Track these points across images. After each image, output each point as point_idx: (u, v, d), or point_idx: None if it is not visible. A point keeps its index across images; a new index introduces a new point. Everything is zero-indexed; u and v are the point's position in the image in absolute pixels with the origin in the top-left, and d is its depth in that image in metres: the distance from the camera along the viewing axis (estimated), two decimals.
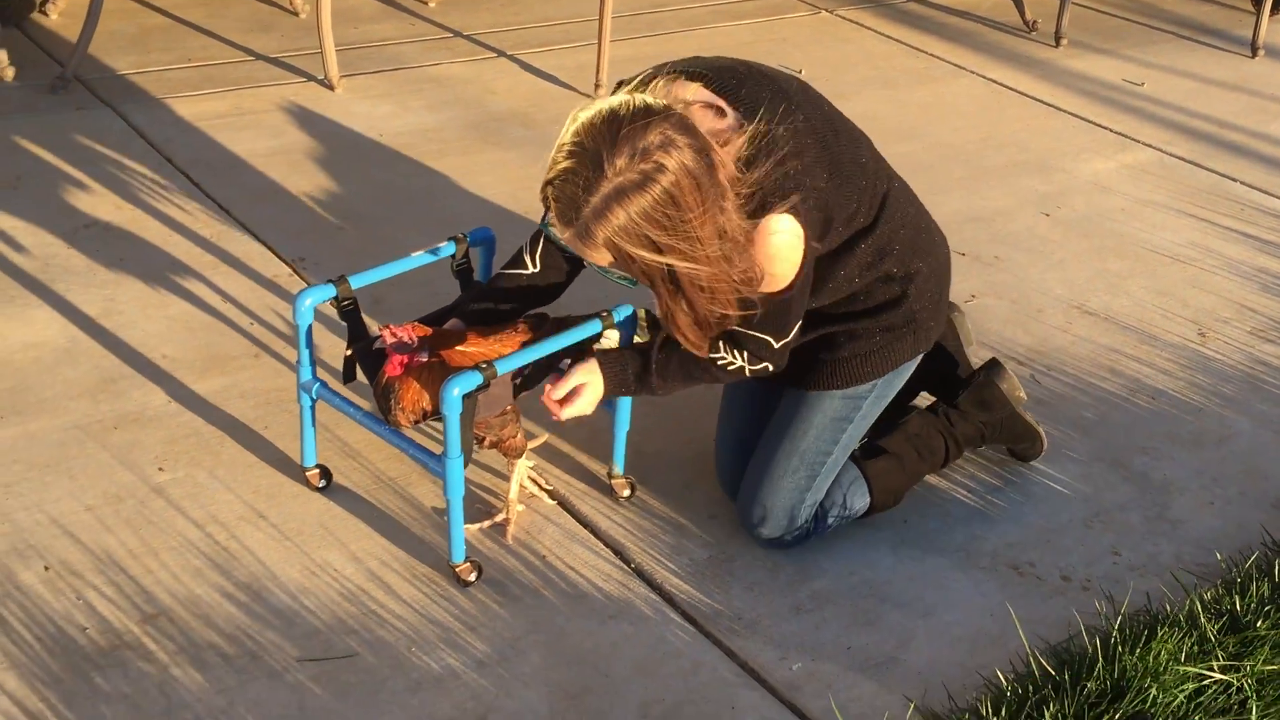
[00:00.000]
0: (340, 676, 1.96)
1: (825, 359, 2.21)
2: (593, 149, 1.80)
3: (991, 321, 3.03)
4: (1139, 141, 4.07)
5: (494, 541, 2.24)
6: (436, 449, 2.21)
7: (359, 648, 2.01)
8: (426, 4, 4.58)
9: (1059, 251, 3.37)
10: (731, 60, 2.03)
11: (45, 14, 4.10)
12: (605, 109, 1.82)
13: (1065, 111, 4.26)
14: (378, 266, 2.22)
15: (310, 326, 2.16)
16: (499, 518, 2.27)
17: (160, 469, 2.32)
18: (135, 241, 3.00)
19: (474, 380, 1.98)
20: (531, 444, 2.36)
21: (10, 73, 3.67)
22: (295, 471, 2.34)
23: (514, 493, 2.27)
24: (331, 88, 3.84)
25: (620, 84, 1.98)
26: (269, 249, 3.02)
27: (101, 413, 2.44)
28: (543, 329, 2.18)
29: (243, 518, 2.23)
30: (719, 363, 2.10)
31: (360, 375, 2.20)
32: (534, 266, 2.21)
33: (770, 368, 2.12)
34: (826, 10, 4.96)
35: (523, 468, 2.28)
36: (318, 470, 2.29)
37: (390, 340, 2.04)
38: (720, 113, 1.93)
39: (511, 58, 4.23)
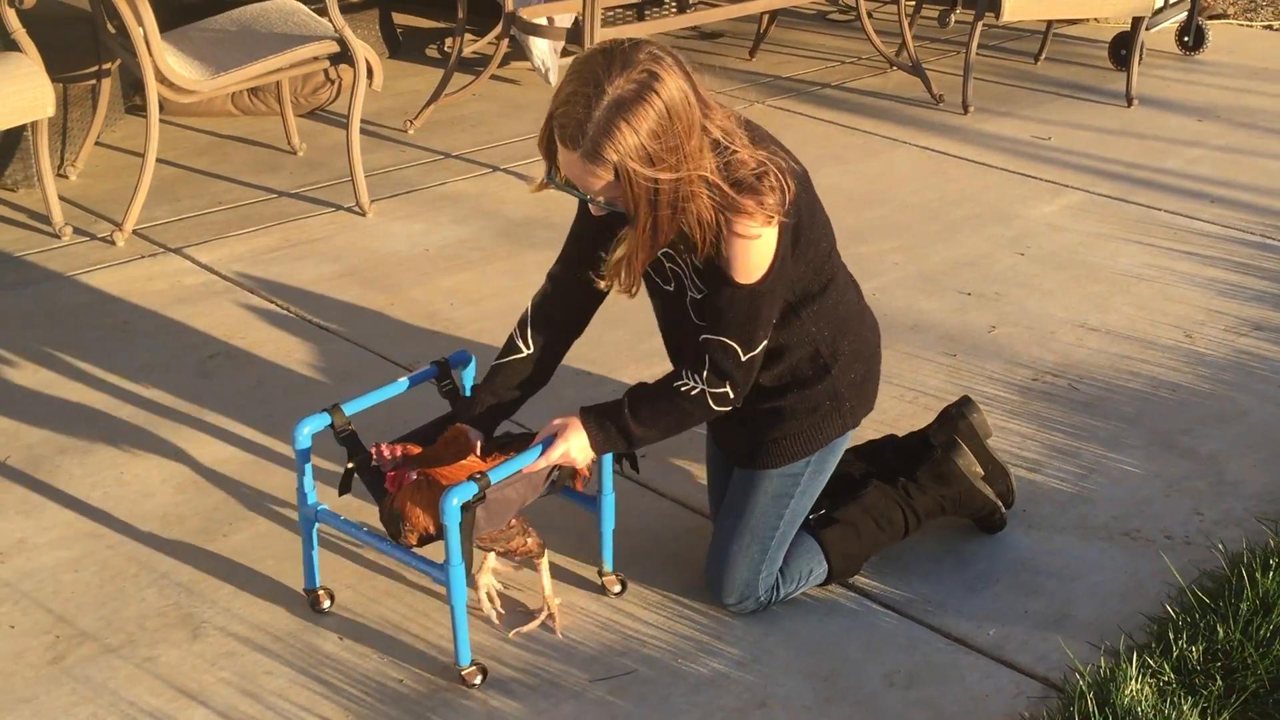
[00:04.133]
0: (631, 689, 2.27)
1: (759, 440, 2.38)
2: (590, 73, 1.97)
3: (1018, 345, 3.49)
4: (1067, 186, 4.64)
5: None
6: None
7: (634, 665, 2.33)
8: (406, 131, 4.92)
9: (1045, 283, 3.87)
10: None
11: (65, 176, 4.32)
12: (596, 46, 2.02)
13: (996, 168, 4.81)
14: (368, 393, 2.37)
15: (309, 453, 2.28)
16: (543, 616, 2.41)
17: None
18: (263, 365, 3.27)
19: (470, 490, 2.11)
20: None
21: (68, 231, 3.89)
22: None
23: (548, 589, 2.41)
24: (363, 214, 4.15)
25: None
26: (383, 359, 3.32)
27: None
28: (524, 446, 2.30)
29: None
30: (681, 389, 2.22)
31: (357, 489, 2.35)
32: (529, 348, 2.34)
33: (731, 394, 2.22)
34: (757, 103, 5.46)
35: (547, 564, 2.40)
36: (322, 591, 2.42)
37: (376, 459, 2.21)
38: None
39: (506, 171, 4.60)
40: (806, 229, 2.23)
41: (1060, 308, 3.72)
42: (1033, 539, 2.71)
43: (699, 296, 2.22)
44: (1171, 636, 2.32)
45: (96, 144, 4.47)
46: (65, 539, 2.61)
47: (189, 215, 4.12)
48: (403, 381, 2.40)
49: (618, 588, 2.50)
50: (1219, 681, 2.22)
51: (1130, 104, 5.57)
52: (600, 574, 2.51)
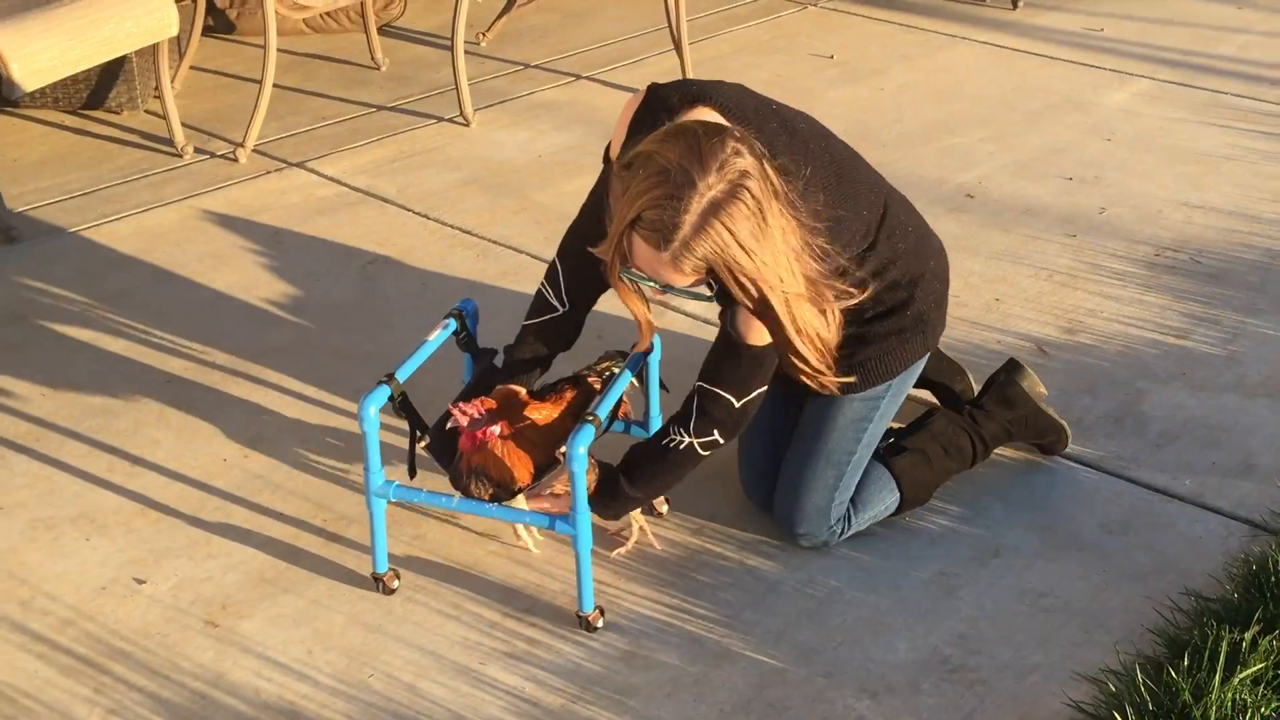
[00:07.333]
0: (872, 545, 2.44)
1: (841, 366, 2.27)
2: (679, 169, 1.89)
3: (1131, 225, 3.65)
4: (1132, 74, 4.77)
5: None
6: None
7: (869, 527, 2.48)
8: (479, 44, 4.98)
9: (1139, 166, 4.02)
10: (743, 92, 2.19)
11: (159, 97, 4.35)
12: (673, 133, 1.94)
13: (1060, 59, 4.93)
14: (409, 357, 2.31)
15: (377, 430, 2.19)
16: (635, 535, 2.41)
17: None
18: (421, 270, 3.37)
19: (590, 434, 2.10)
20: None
21: (189, 150, 3.95)
22: None
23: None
24: (467, 124, 4.23)
25: (644, 109, 2.15)
26: (536, 259, 3.43)
27: None
28: (571, 386, 2.36)
29: None
30: (669, 445, 2.20)
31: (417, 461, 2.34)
32: (564, 306, 2.33)
33: (721, 440, 2.19)
34: (811, 5, 5.54)
35: None
36: (393, 573, 2.31)
37: (464, 420, 2.16)
38: None
39: (589, 79, 4.67)
40: (839, 235, 2.17)
41: (1160, 188, 3.87)
42: (1198, 399, 2.88)
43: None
44: None
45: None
46: (297, 433, 2.72)
47: (299, 131, 4.18)
48: (438, 337, 2.34)
49: (665, 507, 2.49)
50: None
51: None
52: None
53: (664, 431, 2.23)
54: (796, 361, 2.06)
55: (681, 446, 2.20)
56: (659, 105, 2.13)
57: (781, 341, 2.05)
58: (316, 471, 2.61)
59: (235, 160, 3.94)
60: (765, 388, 2.19)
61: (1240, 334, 3.12)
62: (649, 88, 2.18)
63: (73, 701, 2.08)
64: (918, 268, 2.36)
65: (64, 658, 2.17)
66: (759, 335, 2.11)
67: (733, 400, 2.17)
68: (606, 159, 2.24)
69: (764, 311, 2.01)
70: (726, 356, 2.17)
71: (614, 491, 2.23)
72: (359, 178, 3.86)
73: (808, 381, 2.10)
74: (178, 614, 2.25)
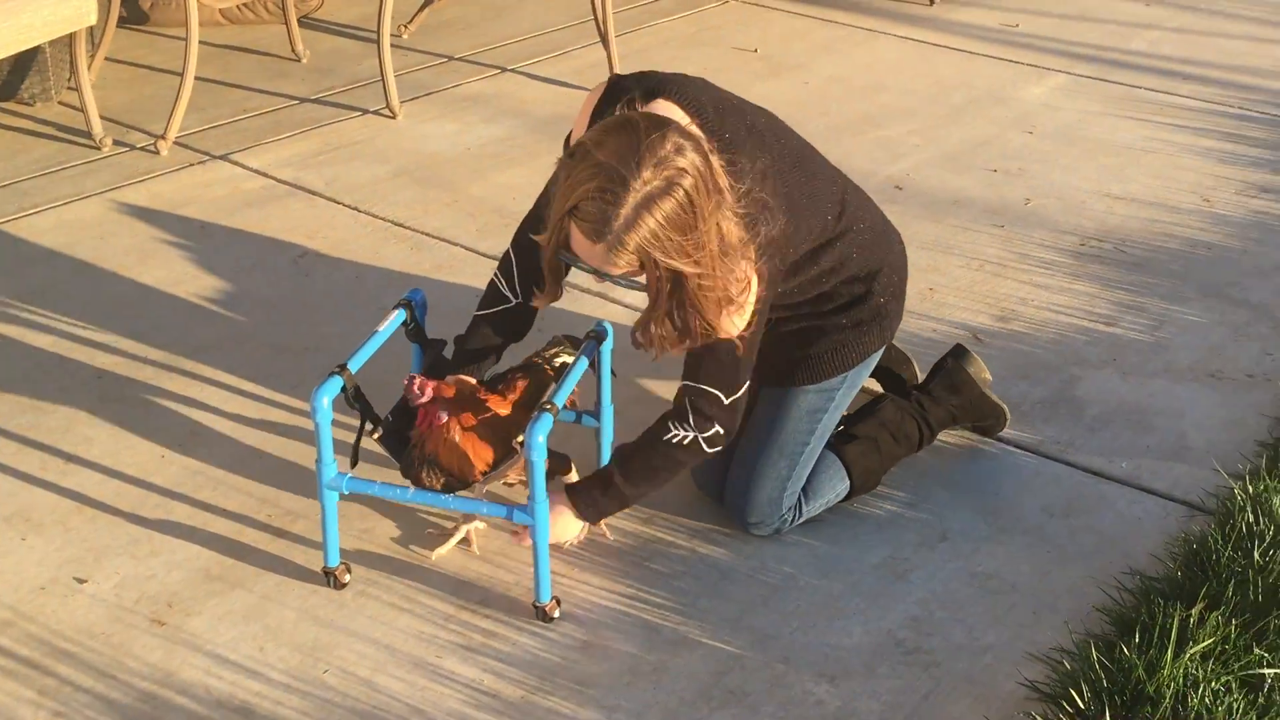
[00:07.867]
0: (822, 531, 2.45)
1: (798, 356, 2.37)
2: (615, 164, 1.89)
3: (1056, 215, 3.71)
4: (1049, 69, 4.85)
5: None
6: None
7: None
8: (401, 36, 4.93)
9: (1061, 158, 4.09)
10: (705, 87, 2.18)
11: (74, 89, 4.25)
12: (615, 125, 1.95)
13: (978, 54, 5.00)
14: (360, 347, 2.27)
15: (330, 422, 2.15)
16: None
17: None
18: (354, 263, 3.33)
19: (549, 422, 2.08)
20: None
21: (108, 142, 3.86)
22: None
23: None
24: (394, 116, 4.18)
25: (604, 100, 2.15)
26: (471, 251, 3.40)
27: None
28: (523, 376, 2.33)
29: None
30: (673, 441, 2.19)
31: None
32: (517, 297, 2.33)
33: (721, 431, 2.20)
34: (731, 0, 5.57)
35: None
36: (344, 566, 2.27)
37: (423, 395, 2.14)
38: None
39: (514, 71, 4.65)
40: (790, 239, 2.17)
41: (1082, 180, 3.94)
42: (1130, 384, 2.93)
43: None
44: None
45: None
46: (236, 429, 2.67)
47: (221, 123, 4.11)
48: (387, 327, 2.31)
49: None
50: None
51: None
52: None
53: (662, 428, 2.20)
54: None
55: (686, 442, 2.19)
56: (620, 97, 2.11)
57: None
58: (259, 466, 2.57)
59: (156, 153, 3.86)
60: (749, 383, 2.19)
61: (1166, 321, 3.18)
62: (611, 78, 2.17)
63: (17, 705, 2.02)
64: (875, 262, 2.38)
65: (4, 660, 2.11)
66: (727, 325, 2.09)
67: (721, 397, 2.17)
68: (567, 148, 2.22)
69: (666, 294, 1.99)
70: (704, 353, 2.14)
71: (604, 487, 2.21)
72: (285, 170, 3.81)
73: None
74: (122, 613, 2.20)
